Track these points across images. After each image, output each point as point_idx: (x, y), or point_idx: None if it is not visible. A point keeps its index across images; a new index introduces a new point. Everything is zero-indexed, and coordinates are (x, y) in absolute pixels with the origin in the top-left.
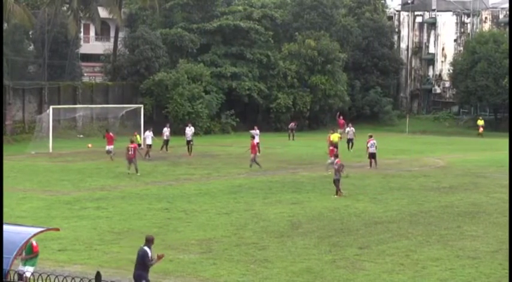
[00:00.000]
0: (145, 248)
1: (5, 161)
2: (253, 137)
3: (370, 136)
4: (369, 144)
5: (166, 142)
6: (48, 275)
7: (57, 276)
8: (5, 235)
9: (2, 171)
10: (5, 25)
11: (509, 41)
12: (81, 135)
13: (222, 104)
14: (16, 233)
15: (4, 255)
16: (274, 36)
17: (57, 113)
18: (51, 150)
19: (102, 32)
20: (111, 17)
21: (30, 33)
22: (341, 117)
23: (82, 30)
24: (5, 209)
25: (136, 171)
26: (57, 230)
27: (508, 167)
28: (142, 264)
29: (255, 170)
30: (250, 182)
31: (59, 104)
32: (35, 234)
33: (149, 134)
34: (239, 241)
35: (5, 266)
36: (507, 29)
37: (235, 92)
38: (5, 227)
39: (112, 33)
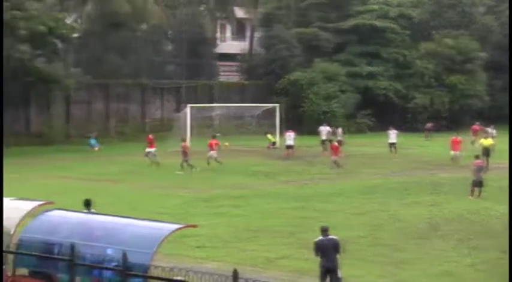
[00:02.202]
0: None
1: (141, 158)
2: (338, 142)
3: None
4: None
5: (323, 142)
6: (187, 271)
7: (195, 273)
8: (145, 231)
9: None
10: (145, 25)
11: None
12: (218, 134)
13: (357, 104)
14: (156, 229)
15: (144, 250)
16: (410, 35)
17: (195, 111)
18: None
19: (238, 32)
20: (247, 16)
21: (168, 33)
22: (477, 124)
23: (218, 30)
24: (145, 206)
25: (191, 168)
26: (195, 227)
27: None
28: (335, 253)
29: (337, 171)
30: (386, 183)
31: (196, 103)
32: (174, 231)
33: (291, 134)
34: (375, 242)
35: (145, 262)
36: None
37: (370, 92)
38: (145, 223)
39: (248, 33)
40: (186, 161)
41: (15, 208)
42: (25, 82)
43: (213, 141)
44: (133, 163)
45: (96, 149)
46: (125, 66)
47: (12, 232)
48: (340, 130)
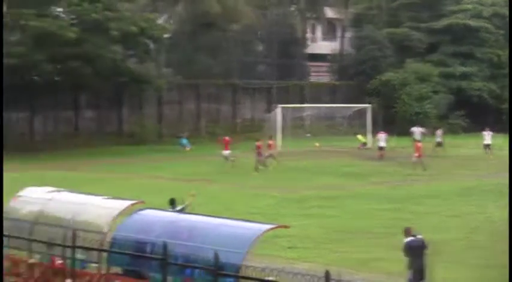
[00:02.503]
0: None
1: (236, 159)
2: (438, 143)
3: None
4: None
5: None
6: (279, 272)
7: (287, 273)
8: (237, 231)
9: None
10: (235, 26)
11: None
12: (309, 134)
13: (450, 105)
14: (248, 229)
15: (236, 250)
16: (504, 34)
17: (285, 112)
18: (279, 149)
19: (329, 32)
20: (337, 16)
21: (259, 33)
22: None
23: (309, 30)
24: (237, 206)
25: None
26: (287, 227)
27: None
28: (423, 253)
29: (422, 172)
30: (482, 184)
31: (286, 103)
32: (265, 231)
33: (382, 135)
34: (471, 244)
35: (237, 261)
36: None
37: (464, 92)
38: (237, 223)
39: (338, 33)
40: (261, 161)
41: (109, 207)
42: (118, 82)
43: (271, 142)
44: (224, 163)
45: (188, 149)
46: (216, 67)
47: (105, 230)
48: (440, 131)
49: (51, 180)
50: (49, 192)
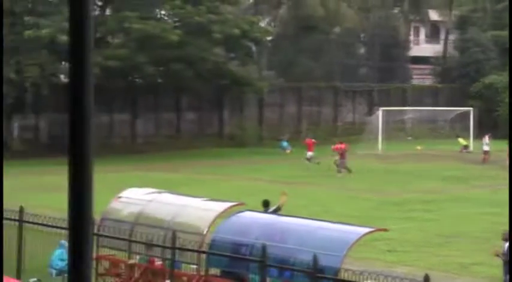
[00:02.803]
0: None
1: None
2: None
3: None
4: None
5: None
6: (377, 275)
7: (386, 277)
8: (335, 234)
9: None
10: (338, 28)
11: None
12: (410, 137)
13: None
14: (347, 232)
15: (334, 253)
16: None
17: (387, 114)
18: (380, 152)
19: (432, 35)
20: (441, 19)
21: (361, 36)
22: None
23: (412, 32)
24: (336, 209)
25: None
26: (386, 230)
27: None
28: None
29: None
30: None
31: (388, 106)
32: (365, 234)
33: (486, 139)
34: None
35: (335, 264)
36: None
37: None
38: (336, 225)
39: (442, 36)
40: (339, 165)
41: (208, 209)
42: (219, 85)
43: (341, 146)
44: (324, 166)
45: (288, 151)
46: (317, 69)
47: (204, 232)
48: None
49: (152, 182)
50: (150, 193)
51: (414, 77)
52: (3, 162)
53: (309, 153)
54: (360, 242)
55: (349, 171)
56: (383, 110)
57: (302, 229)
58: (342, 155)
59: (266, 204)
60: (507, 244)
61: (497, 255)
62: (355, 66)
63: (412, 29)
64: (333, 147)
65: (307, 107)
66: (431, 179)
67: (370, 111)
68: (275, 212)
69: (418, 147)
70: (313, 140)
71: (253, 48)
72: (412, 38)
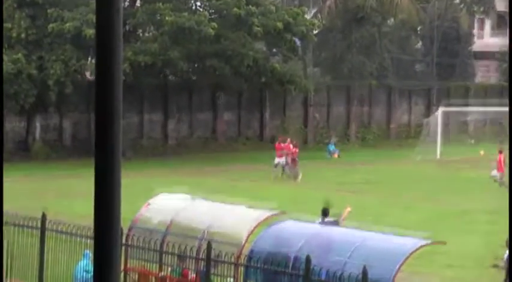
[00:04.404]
0: None
1: (387, 167)
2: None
3: None
4: None
5: None
6: None
7: None
8: (388, 245)
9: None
10: (392, 20)
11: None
12: (472, 141)
13: None
14: (400, 243)
15: (386, 267)
16: None
17: (446, 115)
18: (438, 156)
19: (499, 27)
20: (509, 10)
21: (418, 29)
22: None
23: (476, 25)
24: (388, 219)
25: None
26: (444, 243)
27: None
28: None
29: None
30: None
31: (448, 107)
32: (420, 246)
33: None
34: None
35: (387, 279)
36: None
37: None
38: (388, 237)
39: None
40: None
41: (246, 217)
42: (259, 83)
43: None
44: (376, 172)
45: (336, 155)
46: (369, 66)
47: (242, 243)
48: None
49: (185, 187)
50: (182, 200)
51: (478, 74)
52: (24, 164)
53: (278, 160)
54: (415, 255)
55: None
56: (443, 111)
57: (350, 240)
58: (294, 159)
59: (325, 213)
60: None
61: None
62: (411, 62)
63: (476, 21)
64: (281, 145)
65: (356, 108)
66: (496, 187)
67: (428, 112)
68: (333, 223)
69: (482, 152)
70: (284, 145)
71: (298, 42)
72: (475, 31)
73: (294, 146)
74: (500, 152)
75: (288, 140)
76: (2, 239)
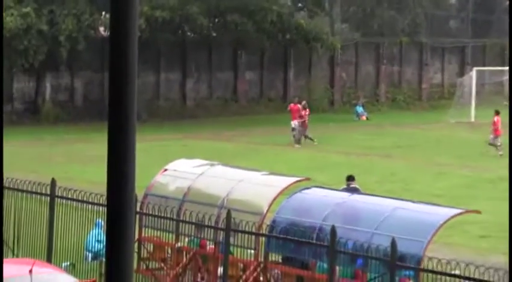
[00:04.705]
0: None
1: (419, 130)
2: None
3: None
4: None
5: None
6: (467, 265)
7: (477, 267)
8: (418, 215)
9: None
10: None
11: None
12: (507, 102)
13: None
14: (431, 213)
15: (416, 239)
16: None
17: (482, 75)
18: (473, 119)
19: None
20: None
21: None
22: None
23: None
24: (419, 186)
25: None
26: (479, 212)
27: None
28: None
29: None
30: None
31: (483, 66)
32: (453, 216)
33: None
34: None
35: (418, 252)
36: None
37: None
38: (418, 206)
39: None
40: (299, 134)
41: (268, 185)
42: (283, 40)
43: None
44: (406, 135)
45: (364, 118)
46: (400, 22)
47: (264, 212)
48: None
49: (203, 152)
50: (201, 165)
51: None
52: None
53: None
54: (448, 225)
55: (312, 140)
56: (477, 70)
57: (378, 209)
58: (304, 121)
59: (350, 179)
60: None
61: None
62: (445, 18)
63: None
64: (291, 105)
65: (386, 66)
66: None
67: (462, 72)
68: (356, 191)
69: None
70: (295, 106)
71: None
72: None
73: (303, 108)
74: None
75: (296, 99)
76: (2, 202)
